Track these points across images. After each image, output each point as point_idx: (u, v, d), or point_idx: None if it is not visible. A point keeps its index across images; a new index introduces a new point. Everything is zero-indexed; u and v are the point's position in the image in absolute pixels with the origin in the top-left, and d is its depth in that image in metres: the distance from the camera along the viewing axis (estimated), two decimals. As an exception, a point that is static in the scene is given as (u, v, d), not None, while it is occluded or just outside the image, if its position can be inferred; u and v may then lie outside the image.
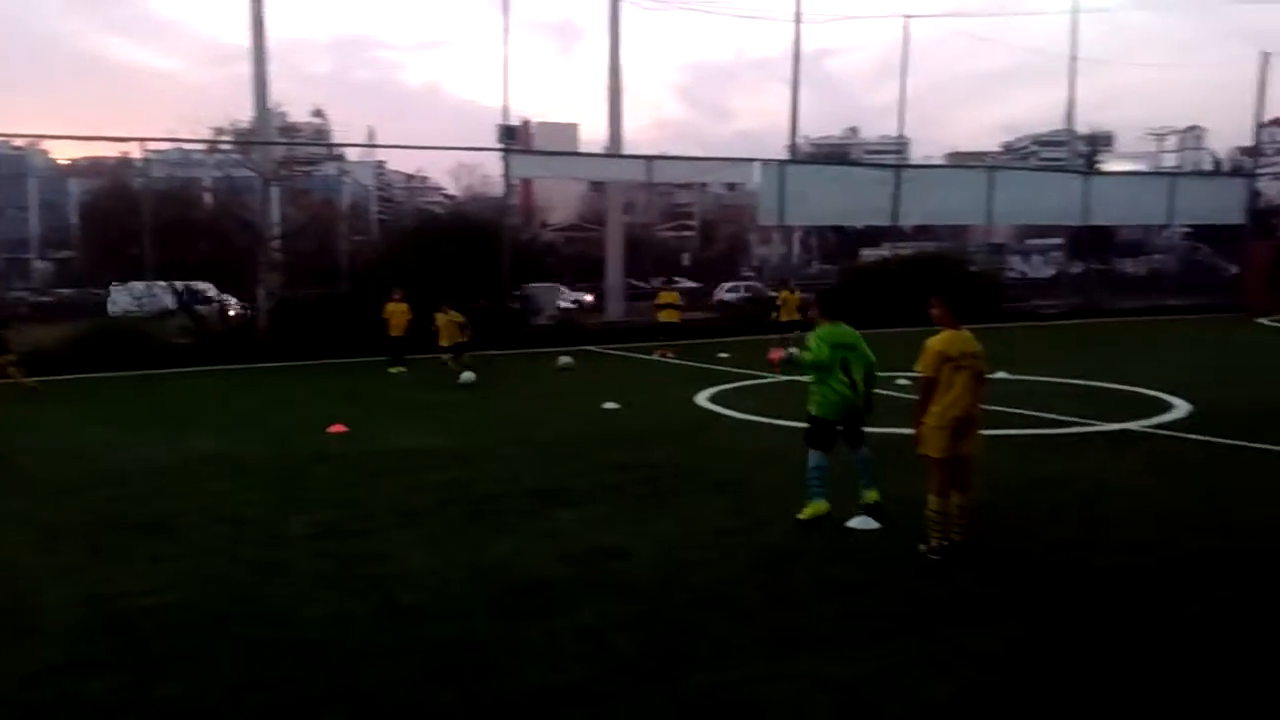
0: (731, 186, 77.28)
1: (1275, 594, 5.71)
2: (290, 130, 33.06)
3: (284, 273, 24.07)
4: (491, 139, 27.68)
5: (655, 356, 20.17)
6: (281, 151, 24.91)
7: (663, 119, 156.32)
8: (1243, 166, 46.91)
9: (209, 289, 24.34)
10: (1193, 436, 10.55)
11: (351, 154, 60.30)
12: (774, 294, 24.46)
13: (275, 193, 24.53)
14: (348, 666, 4.86)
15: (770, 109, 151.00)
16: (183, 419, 13.38)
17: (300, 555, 6.76)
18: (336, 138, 48.85)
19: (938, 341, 6.33)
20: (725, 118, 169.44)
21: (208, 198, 26.77)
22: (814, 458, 7.26)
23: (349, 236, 32.25)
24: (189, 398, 15.74)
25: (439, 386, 16.16)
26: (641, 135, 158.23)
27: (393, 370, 18.20)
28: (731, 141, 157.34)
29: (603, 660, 4.88)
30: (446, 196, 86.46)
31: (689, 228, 79.30)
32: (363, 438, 11.26)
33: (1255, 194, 37.55)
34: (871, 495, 7.23)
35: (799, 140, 36.99)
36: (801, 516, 7.23)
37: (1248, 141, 43.53)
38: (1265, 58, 35.17)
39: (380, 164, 77.86)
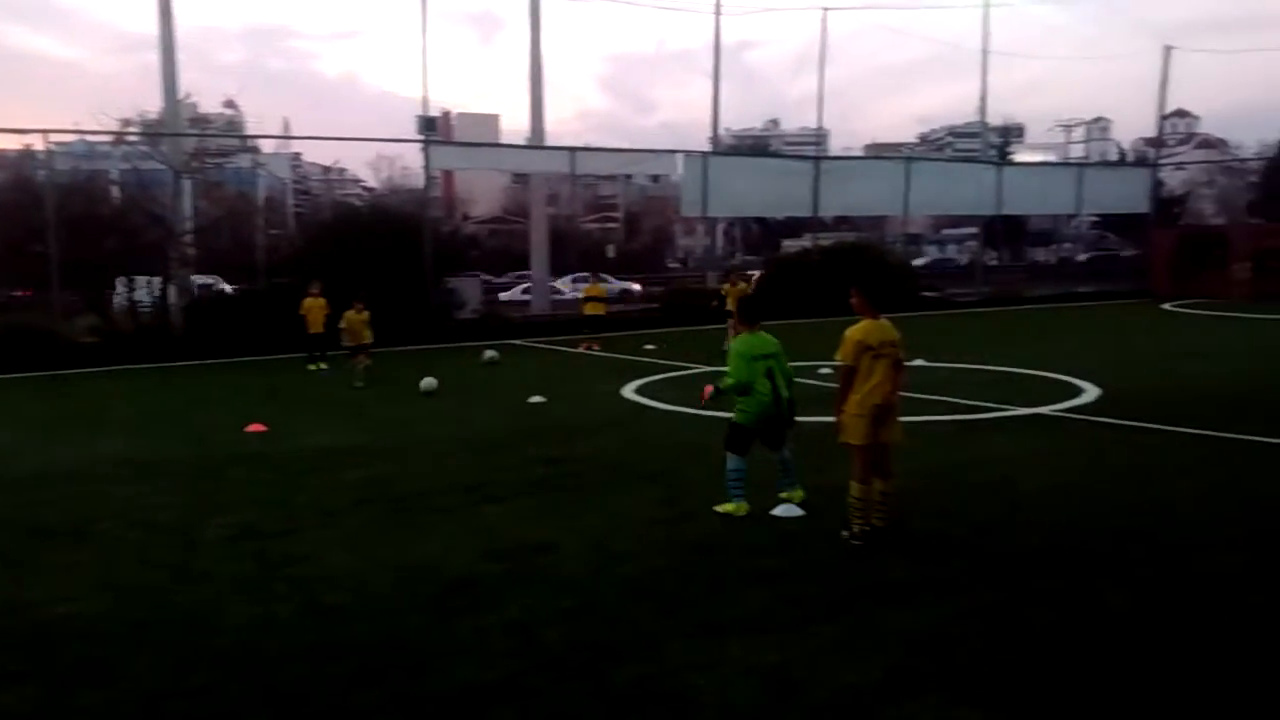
0: (655, 178, 77.44)
1: (1181, 569, 5.94)
2: (201, 121, 32.07)
3: (198, 268, 23.44)
4: (411, 130, 27.38)
5: (581, 349, 20.14)
6: (192, 143, 24.16)
7: (585, 110, 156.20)
8: (1146, 157, 48.60)
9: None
10: (1102, 419, 10.91)
11: (266, 145, 59.03)
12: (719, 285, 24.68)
13: (187, 186, 23.83)
14: (270, 671, 4.76)
15: (692, 101, 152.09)
16: (93, 421, 12.94)
17: (219, 558, 6.60)
18: (250, 129, 47.57)
19: (857, 331, 6.44)
20: (648, 109, 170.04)
21: (115, 191, 25.84)
22: (732, 460, 7.31)
23: (265, 230, 31.53)
24: (99, 398, 15.23)
25: (360, 382, 15.90)
26: (564, 127, 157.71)
27: (312, 367, 17.85)
28: (654, 133, 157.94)
29: (531, 655, 4.87)
30: (366, 189, 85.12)
31: (613, 220, 79.32)
32: (282, 436, 11.03)
33: (1158, 183, 38.95)
34: (797, 496, 7.32)
35: (721, 132, 37.28)
36: (719, 509, 7.30)
37: (1151, 133, 45.10)
38: (1167, 51, 36.50)
39: (296, 156, 76.24)
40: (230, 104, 31.14)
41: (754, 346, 7.28)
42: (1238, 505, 7.36)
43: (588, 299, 21.44)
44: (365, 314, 16.15)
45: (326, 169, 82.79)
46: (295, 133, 75.10)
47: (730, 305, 19.18)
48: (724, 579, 5.91)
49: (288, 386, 15.92)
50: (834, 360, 6.68)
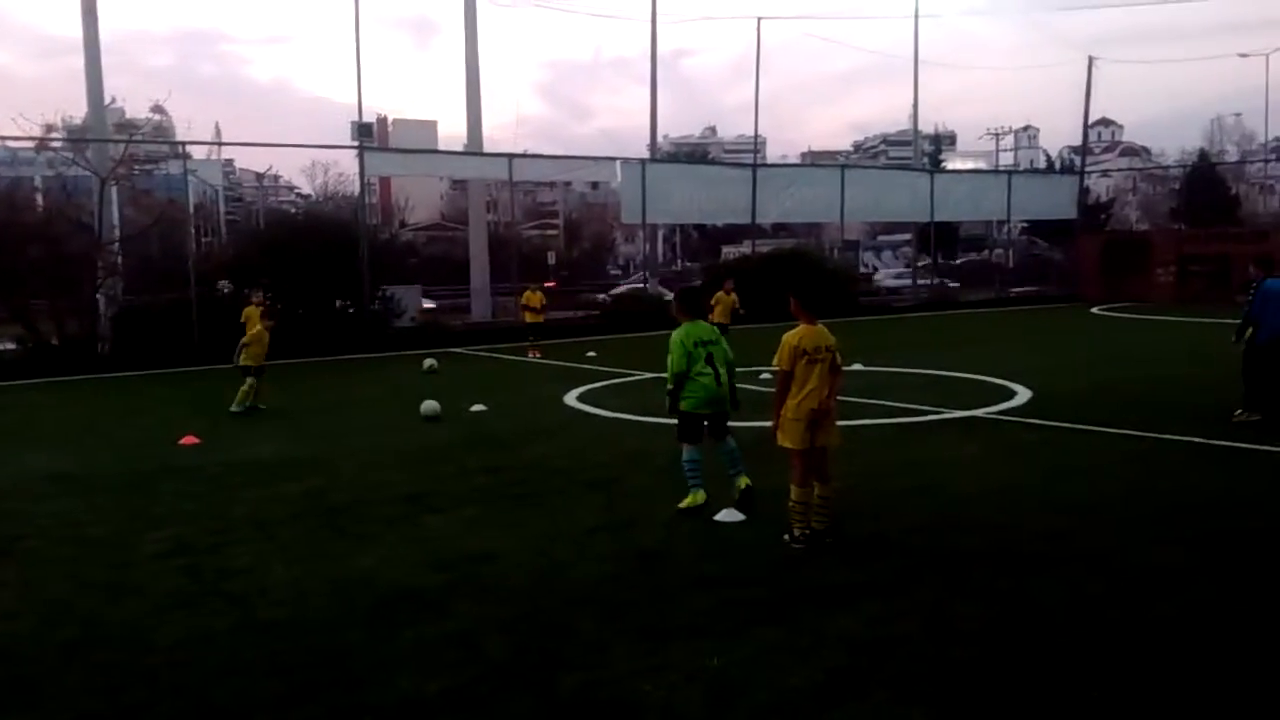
0: (595, 185, 77.60)
1: (1110, 566, 6.11)
2: (128, 127, 31.30)
3: (127, 277, 22.85)
4: (346, 136, 27.01)
5: (530, 356, 19.99)
6: (119, 149, 23.57)
7: (524, 117, 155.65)
8: (1073, 164, 49.89)
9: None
10: (1033, 421, 11.18)
11: (198, 152, 57.84)
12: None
13: (114, 193, 23.23)
14: (205, 688, 4.67)
15: (631, 108, 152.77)
16: (18, 434, 12.56)
17: (152, 574, 6.45)
18: (180, 135, 46.57)
19: (792, 336, 6.52)
20: (586, 116, 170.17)
21: (39, 199, 25.09)
22: (687, 451, 7.50)
23: (196, 238, 30.86)
24: (25, 411, 14.78)
25: (298, 393, 15.65)
26: (502, 133, 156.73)
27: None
28: (593, 140, 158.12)
29: (474, 665, 4.84)
30: (301, 196, 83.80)
31: (554, 227, 79.17)
32: (216, 449, 10.80)
33: (1085, 190, 40.03)
34: (742, 482, 7.42)
35: (659, 139, 37.43)
36: (681, 506, 7.44)
37: (1077, 141, 46.31)
38: (1090, 62, 37.56)
39: (229, 162, 74.83)
40: (158, 109, 30.41)
41: (692, 335, 7.48)
42: (1165, 503, 7.58)
43: (527, 306, 21.36)
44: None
45: (260, 176, 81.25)
46: (227, 139, 73.66)
47: (719, 316, 18.84)
48: (667, 585, 5.94)
49: (222, 397, 15.58)
50: (772, 365, 6.75)
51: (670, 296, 21.80)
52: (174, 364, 19.43)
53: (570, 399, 13.88)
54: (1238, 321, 11.13)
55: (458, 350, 21.92)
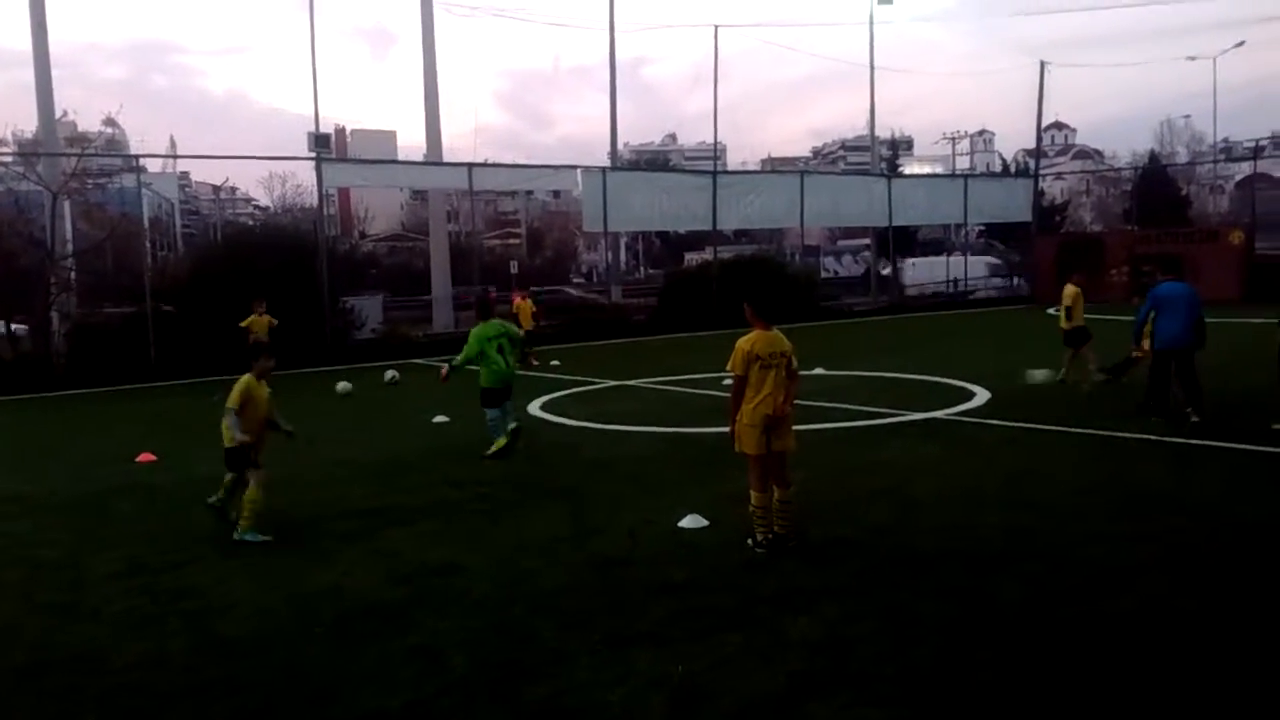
0: (557, 193, 77.45)
1: (1068, 563, 6.20)
2: (80, 140, 30.79)
3: (81, 293, 22.49)
4: (304, 147, 26.78)
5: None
6: (71, 163, 23.19)
7: (484, 126, 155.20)
8: (1028, 167, 50.64)
9: None
10: (991, 421, 11.31)
11: (153, 165, 57.05)
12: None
13: (66, 207, 22.86)
14: (163, 710, 4.60)
15: (591, 116, 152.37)
16: (-33, 456, 12.29)
17: (108, 595, 6.34)
18: (134, 147, 45.94)
19: (745, 342, 6.51)
20: (547, 125, 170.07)
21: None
22: (490, 413, 10.42)
23: (151, 252, 30.41)
24: (-26, 432, 14.47)
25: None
26: (462, 142, 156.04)
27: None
28: (554, 149, 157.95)
29: (438, 678, 4.81)
30: (258, 208, 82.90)
31: (516, 235, 78.94)
32: (174, 466, 10.65)
33: (1040, 193, 40.57)
34: (500, 443, 10.13)
35: (620, 147, 37.49)
36: (488, 453, 10.04)
37: (1031, 144, 46.99)
38: (1043, 67, 38.12)
39: (184, 175, 73.95)
40: (110, 122, 29.92)
41: (486, 331, 10.43)
42: (1121, 500, 7.71)
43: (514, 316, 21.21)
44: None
45: (217, 188, 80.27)
46: (182, 151, 72.84)
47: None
48: (630, 593, 5.93)
49: (179, 414, 15.39)
50: (727, 370, 6.78)
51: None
52: (130, 380, 19.14)
53: (534, 408, 13.83)
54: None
55: (419, 361, 21.77)
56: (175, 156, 53.44)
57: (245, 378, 7.85)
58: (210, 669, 5.05)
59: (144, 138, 61.68)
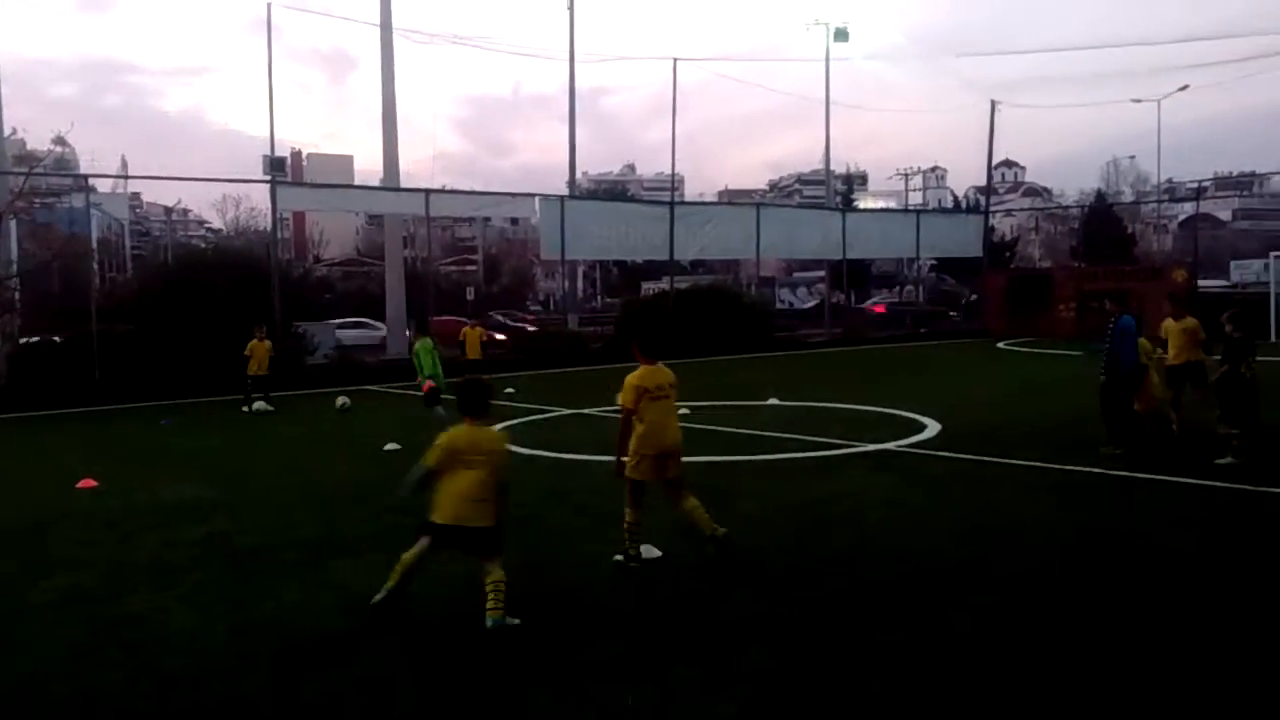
0: (515, 221, 77.51)
1: (1019, 594, 6.25)
2: (28, 159, 30.25)
3: (26, 314, 22.01)
4: (259, 170, 26.62)
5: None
6: (18, 182, 22.76)
7: (443, 152, 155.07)
8: (979, 204, 51.60)
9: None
10: (943, 453, 11.43)
11: (103, 185, 56.16)
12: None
13: (12, 227, 22.43)
14: (98, 744, 4.45)
15: (551, 145, 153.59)
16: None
17: (45, 625, 6.14)
18: (84, 167, 45.11)
19: (634, 377, 6.92)
20: (506, 152, 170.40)
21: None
22: (436, 411, 12.68)
23: (100, 273, 29.90)
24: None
25: (205, 432, 15.21)
26: (420, 168, 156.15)
27: (264, 407, 17.49)
28: (513, 176, 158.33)
29: (384, 712, 4.71)
30: (211, 230, 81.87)
31: (473, 262, 78.75)
32: (116, 492, 10.39)
33: (990, 229, 41.36)
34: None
35: (579, 176, 37.62)
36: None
37: (982, 181, 47.91)
38: (993, 106, 38.98)
39: (135, 196, 72.94)
40: (60, 141, 29.42)
41: (428, 344, 13.97)
42: (1070, 533, 7.80)
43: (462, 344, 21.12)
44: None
45: (168, 210, 79.22)
46: (134, 171, 71.71)
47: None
48: (582, 625, 5.88)
49: (124, 438, 15.07)
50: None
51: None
52: (74, 404, 18.70)
53: (487, 436, 13.71)
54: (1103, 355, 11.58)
55: (373, 387, 21.55)
56: (126, 177, 52.50)
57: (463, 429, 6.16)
58: (148, 702, 4.90)
59: (94, 157, 60.42)
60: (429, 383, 13.55)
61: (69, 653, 5.64)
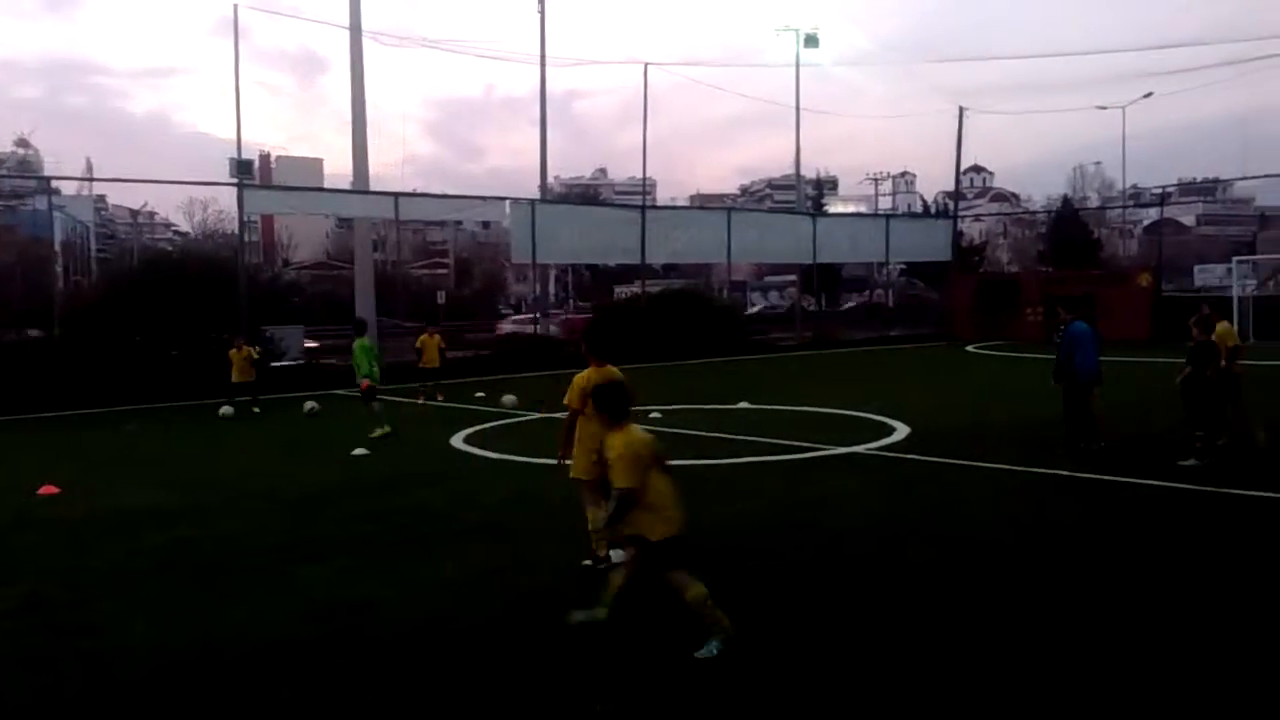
0: (487, 224, 77.21)
1: (991, 596, 6.28)
2: (-10, 160, 29.80)
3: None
4: (227, 173, 26.30)
5: (420, 401, 19.13)
6: (-20, 183, 22.43)
7: (414, 155, 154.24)
8: (947, 209, 52.00)
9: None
10: (911, 456, 11.48)
11: (68, 187, 55.37)
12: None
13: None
14: (54, 757, 4.36)
15: (522, 148, 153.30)
16: None
17: (4, 631, 6.03)
18: (48, 169, 44.46)
19: (581, 378, 7.00)
20: (477, 155, 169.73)
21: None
22: (375, 405, 14.28)
23: (65, 276, 29.46)
24: None
25: (170, 437, 15.01)
26: (390, 171, 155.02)
27: (228, 411, 17.37)
28: (484, 180, 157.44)
29: (348, 721, 4.65)
30: (178, 233, 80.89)
31: (444, 266, 78.37)
32: (78, 498, 10.22)
33: (959, 234, 41.67)
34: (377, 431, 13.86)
35: (550, 180, 37.55)
36: (373, 435, 13.78)
37: (951, 186, 48.30)
38: (962, 112, 39.30)
39: (100, 199, 71.93)
40: (23, 142, 28.98)
41: (369, 350, 14.71)
42: (1038, 534, 7.86)
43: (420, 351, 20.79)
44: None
45: (135, 212, 78.20)
46: (100, 174, 70.81)
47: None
48: (554, 630, 5.84)
49: (87, 444, 14.84)
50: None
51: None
52: (35, 409, 18.39)
53: (457, 441, 13.65)
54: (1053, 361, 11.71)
55: (341, 392, 21.34)
56: (90, 179, 51.75)
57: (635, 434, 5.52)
58: (105, 713, 4.82)
59: (59, 160, 59.72)
60: (365, 381, 14.37)
61: (24, 662, 5.53)
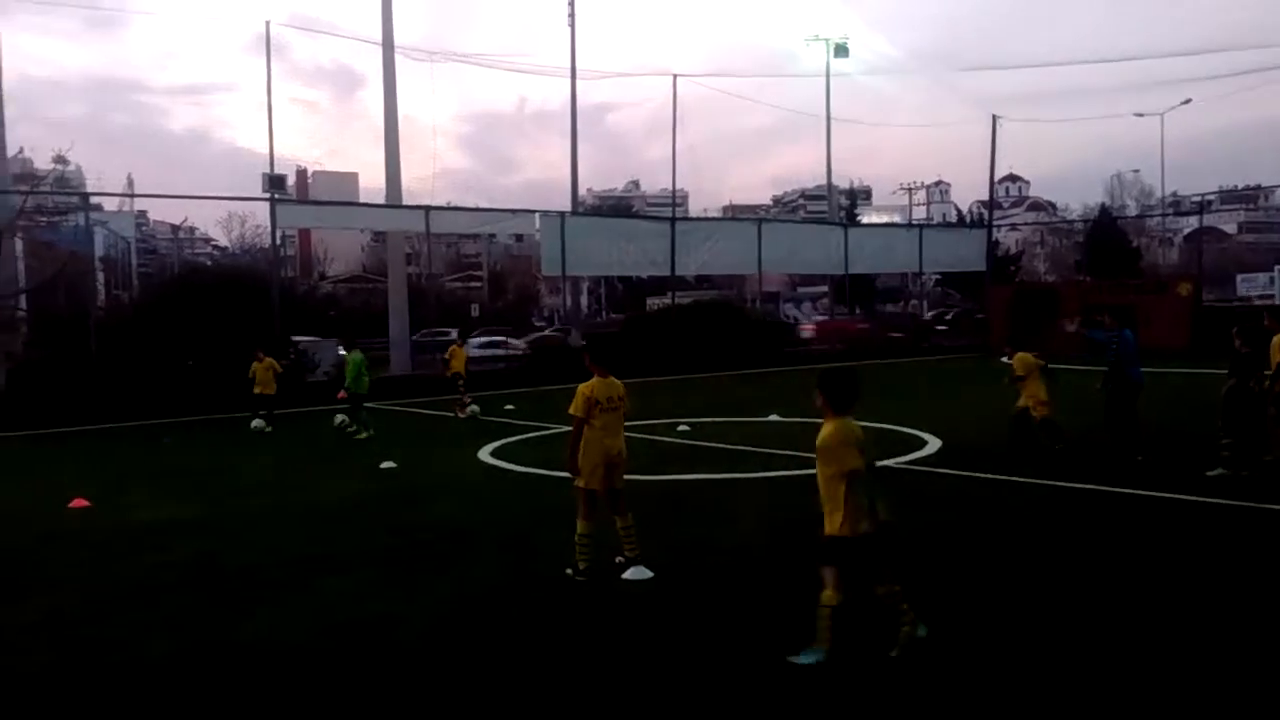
0: (520, 237, 77.59)
1: (1022, 613, 6.12)
2: (32, 178, 30.32)
3: (29, 332, 22.01)
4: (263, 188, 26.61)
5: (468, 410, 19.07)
6: (23, 200, 22.79)
7: (447, 169, 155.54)
8: (982, 218, 51.52)
9: None
10: (942, 470, 11.30)
11: (110, 203, 56.34)
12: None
13: (16, 245, 22.46)
14: (67, 774, 4.35)
15: (555, 160, 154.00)
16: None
17: (23, 648, 6.05)
18: (91, 185, 45.20)
19: (585, 387, 7.04)
20: (510, 168, 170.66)
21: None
22: (361, 414, 15.60)
23: (105, 291, 29.92)
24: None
25: (200, 450, 15.14)
26: (424, 185, 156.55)
27: (261, 425, 17.42)
28: (517, 192, 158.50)
29: (361, 739, 4.60)
30: (217, 248, 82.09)
31: (477, 278, 78.84)
32: (107, 512, 10.30)
33: (994, 243, 41.25)
34: (361, 434, 15.26)
35: (583, 193, 37.65)
36: (360, 436, 15.43)
37: (986, 195, 47.82)
38: (995, 120, 38.90)
39: (141, 214, 73.14)
40: (61, 159, 29.50)
41: (361, 364, 15.96)
42: (1067, 550, 7.67)
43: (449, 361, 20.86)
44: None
45: (175, 227, 79.49)
46: (142, 190, 71.91)
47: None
48: (574, 649, 5.76)
49: (121, 457, 15.00)
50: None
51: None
52: (74, 422, 18.65)
53: (484, 454, 13.63)
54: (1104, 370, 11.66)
55: (373, 405, 21.43)
56: (130, 195, 52.76)
57: None
58: (121, 729, 4.80)
59: (101, 176, 60.75)
60: (342, 392, 16.51)
61: (46, 677, 5.53)
